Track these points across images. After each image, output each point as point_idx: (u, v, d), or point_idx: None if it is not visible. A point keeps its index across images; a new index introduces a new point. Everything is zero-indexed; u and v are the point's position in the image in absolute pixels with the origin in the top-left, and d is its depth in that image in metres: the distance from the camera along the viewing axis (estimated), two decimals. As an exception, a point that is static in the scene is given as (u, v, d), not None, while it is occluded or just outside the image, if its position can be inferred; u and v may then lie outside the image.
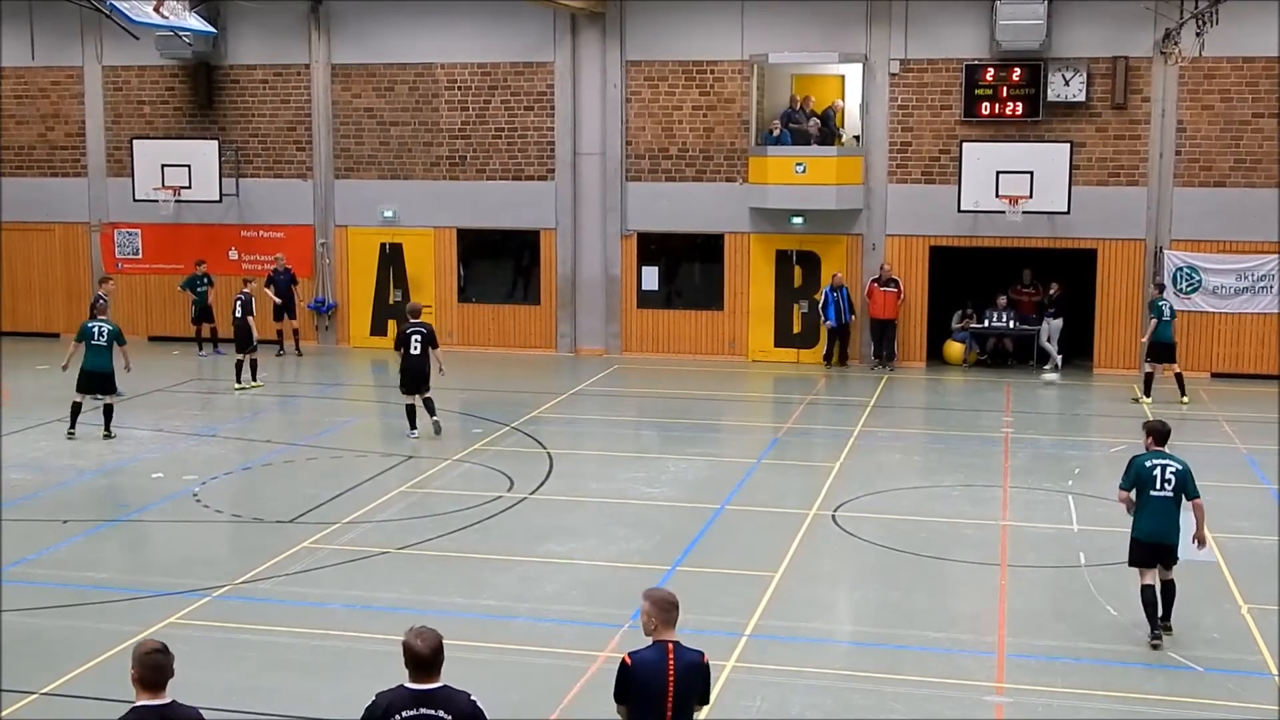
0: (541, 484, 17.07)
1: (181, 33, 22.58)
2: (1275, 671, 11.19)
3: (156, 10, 18.64)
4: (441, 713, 6.56)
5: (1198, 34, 21.58)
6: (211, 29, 22.96)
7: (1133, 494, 11.98)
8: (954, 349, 26.15)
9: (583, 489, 17.01)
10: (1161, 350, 22.28)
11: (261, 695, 10.60)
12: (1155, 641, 11.61)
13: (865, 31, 25.53)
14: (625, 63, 26.58)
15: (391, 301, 27.80)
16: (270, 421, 21.05)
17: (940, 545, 14.64)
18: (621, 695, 7.40)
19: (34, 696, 10.43)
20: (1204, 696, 10.71)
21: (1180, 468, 11.92)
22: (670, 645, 7.38)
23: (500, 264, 28.08)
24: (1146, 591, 11.79)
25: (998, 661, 11.50)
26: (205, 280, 26.92)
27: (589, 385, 23.81)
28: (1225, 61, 24.20)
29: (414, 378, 19.22)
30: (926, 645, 11.79)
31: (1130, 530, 12.01)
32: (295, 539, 14.51)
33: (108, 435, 19.03)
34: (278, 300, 27.00)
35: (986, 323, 26.17)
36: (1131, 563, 12.01)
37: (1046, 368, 25.59)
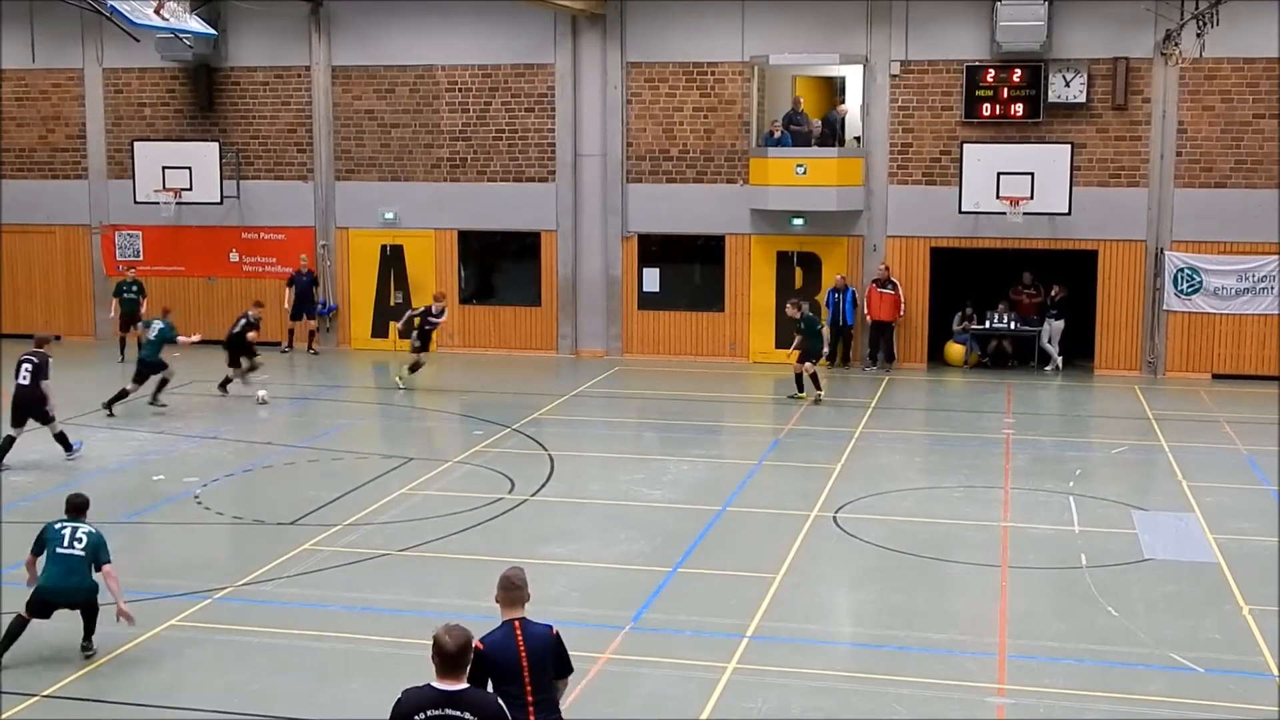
0: (543, 486, 17.07)
1: (182, 35, 22.56)
2: (1276, 672, 11.17)
3: (157, 12, 18.61)
4: (468, 715, 6.57)
5: (1198, 35, 21.58)
6: (212, 31, 22.91)
7: None
8: (955, 350, 26.15)
9: (584, 491, 17.01)
10: None
11: (263, 697, 10.59)
12: None
13: (866, 33, 25.53)
14: (626, 64, 26.59)
15: (393, 303, 27.80)
16: (271, 424, 21.05)
17: (941, 547, 14.63)
18: (478, 679, 7.38)
19: (35, 699, 10.43)
20: (1205, 697, 10.69)
21: None
22: (517, 623, 7.59)
23: (501, 266, 28.07)
24: None
25: (999, 663, 11.48)
26: (135, 287, 26.27)
27: (590, 387, 23.81)
28: (1226, 62, 24.20)
29: (18, 409, 17.69)
30: (928, 646, 11.78)
31: None
32: (296, 541, 14.51)
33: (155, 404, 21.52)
34: (287, 306, 27.24)
35: (987, 324, 26.17)
36: None
37: (1047, 369, 25.59)
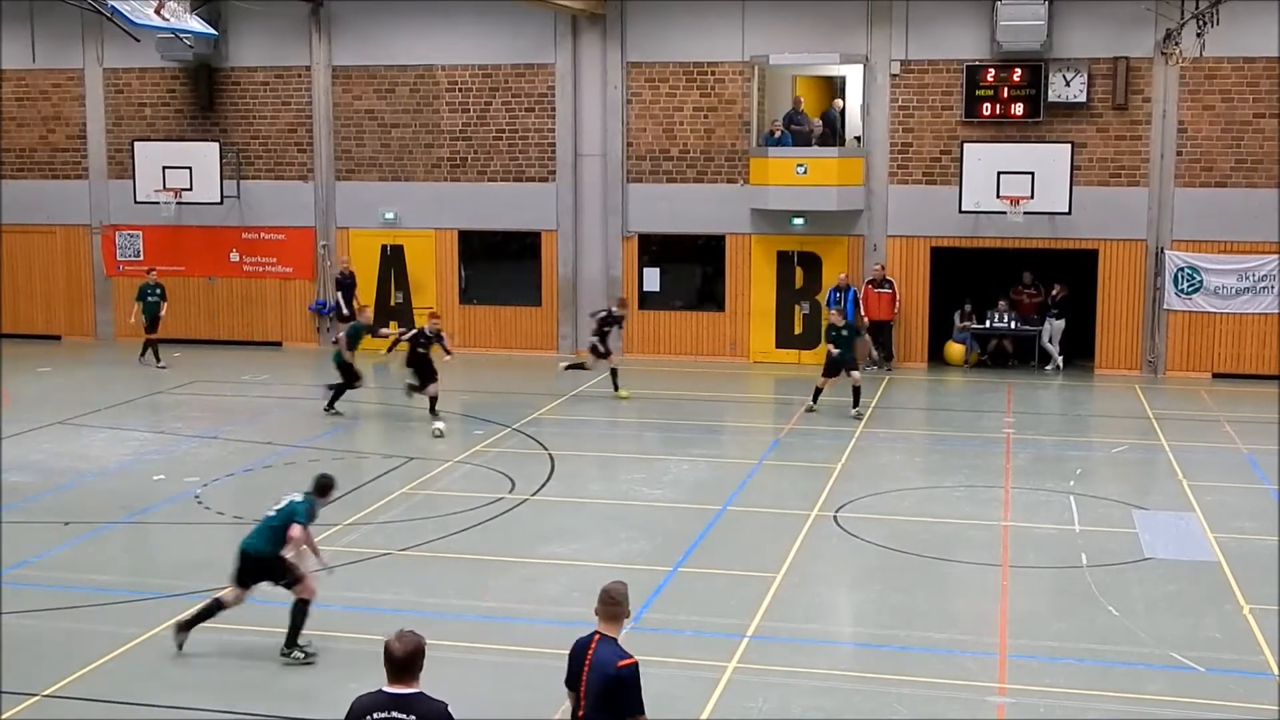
0: (543, 485, 17.07)
1: (182, 35, 22.53)
2: (1277, 672, 11.17)
3: (157, 12, 18.61)
4: (413, 718, 6.59)
5: (1198, 34, 21.58)
6: (212, 31, 22.92)
7: None
8: (955, 350, 26.15)
9: (584, 490, 17.01)
10: None
11: (263, 696, 10.59)
12: None
13: (866, 32, 25.53)
14: (626, 64, 26.59)
15: (393, 303, 27.79)
16: (271, 423, 21.04)
17: (942, 546, 14.63)
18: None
19: (35, 698, 10.43)
20: (1206, 697, 10.69)
21: None
22: (597, 636, 7.58)
23: (502, 265, 28.08)
24: None
25: (1000, 662, 11.48)
26: (158, 290, 26.09)
27: (590, 387, 23.80)
28: (1226, 62, 24.20)
29: None
30: (928, 646, 11.78)
31: None
32: (296, 541, 14.49)
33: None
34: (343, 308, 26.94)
35: (987, 324, 26.17)
36: None
37: (1048, 368, 25.59)
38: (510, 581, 13.41)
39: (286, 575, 11.42)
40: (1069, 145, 24.38)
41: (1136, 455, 19.18)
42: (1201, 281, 24.70)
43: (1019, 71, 24.85)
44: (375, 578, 13.46)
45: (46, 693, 10.54)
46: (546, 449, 19.06)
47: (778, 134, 25.64)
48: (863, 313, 25.54)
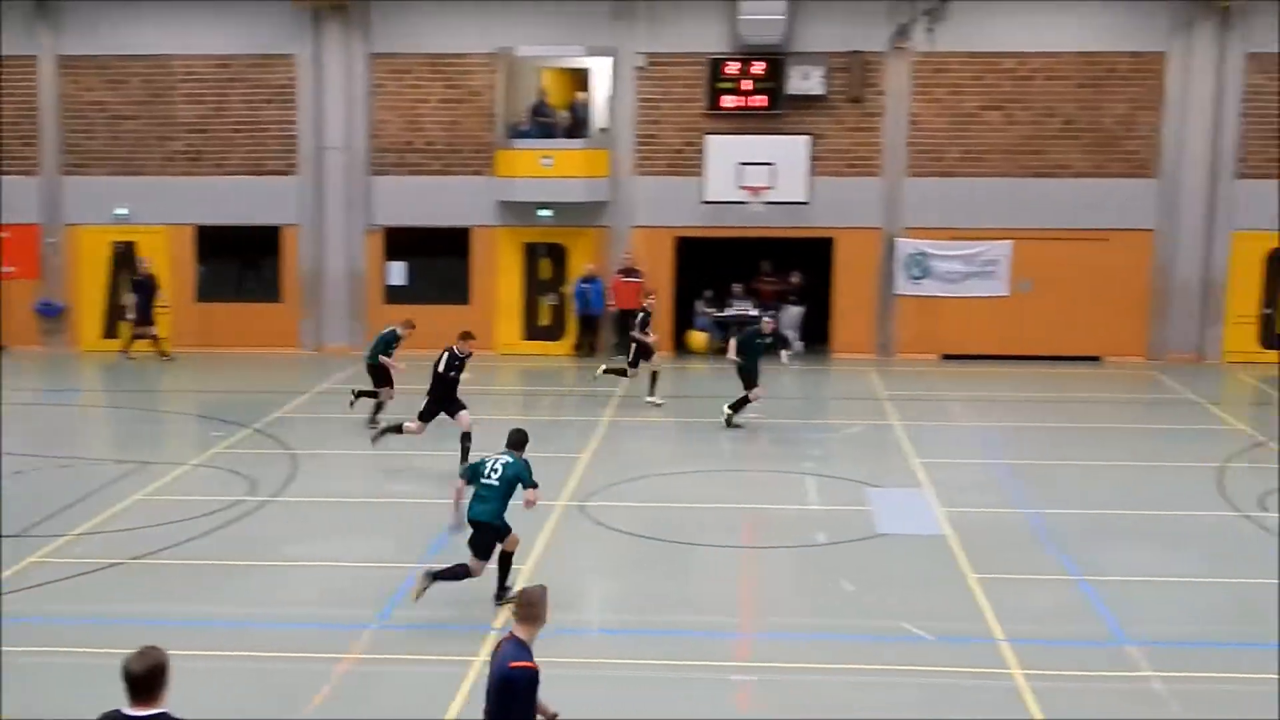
0: (286, 486, 16.69)
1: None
2: (1000, 636, 11.73)
3: None
4: None
5: (929, 30, 22.52)
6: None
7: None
8: (698, 338, 26.62)
9: (329, 489, 16.71)
10: None
11: (-17, 718, 10.07)
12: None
13: (611, 25, 25.72)
14: (369, 56, 26.17)
15: (123, 303, 26.58)
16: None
17: (688, 530, 14.88)
18: None
19: None
20: (935, 664, 11.17)
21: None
22: (505, 639, 7.73)
23: (241, 262, 27.28)
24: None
25: (743, 641, 11.77)
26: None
27: (335, 384, 23.37)
28: (954, 56, 25.28)
29: None
30: (675, 629, 11.98)
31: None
32: (20, 554, 13.78)
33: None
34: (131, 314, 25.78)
35: (729, 311, 26.70)
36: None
37: (786, 354, 26.15)
38: (251, 585, 13.08)
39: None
40: (808, 137, 25.12)
41: (870, 435, 19.87)
42: (930, 267, 25.76)
43: (760, 65, 25.42)
44: (108, 588, 12.93)
45: None
46: (289, 448, 18.63)
47: (524, 126, 25.64)
48: (611, 302, 25.78)
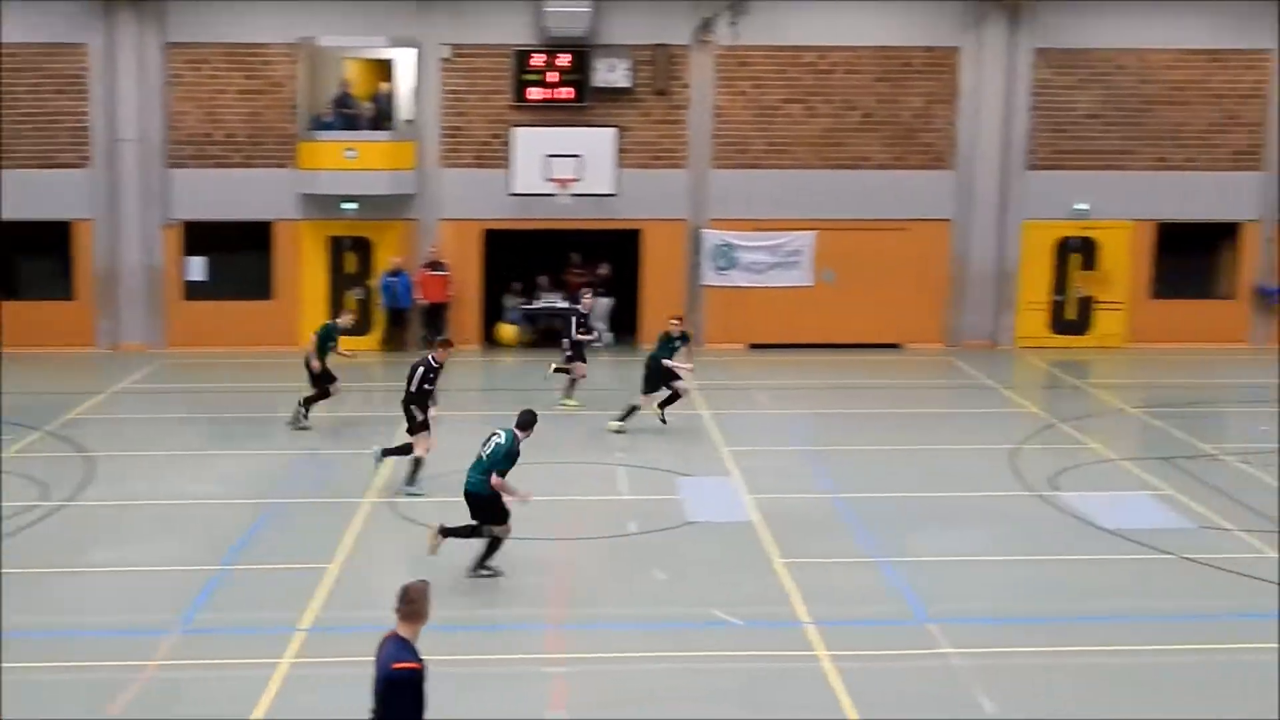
0: (81, 490, 16.10)
1: None
2: (805, 619, 11.98)
3: None
4: None
5: (732, 24, 22.84)
6: None
7: None
8: (507, 331, 26.51)
9: (127, 492, 16.18)
10: None
11: None
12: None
13: (415, 16, 25.41)
14: (165, 45, 25.35)
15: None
16: None
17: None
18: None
19: None
20: (745, 649, 11.36)
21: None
22: (388, 637, 7.65)
23: (29, 257, 26.15)
24: None
25: (557, 633, 11.78)
26: None
27: (132, 383, 22.62)
28: (757, 50, 25.65)
29: None
30: (483, 624, 11.93)
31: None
32: None
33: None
34: None
35: (537, 304, 26.64)
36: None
37: (596, 345, 26.16)
38: (46, 595, 12.58)
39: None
40: (614, 129, 25.22)
41: (680, 424, 20.02)
42: (735, 258, 26.13)
43: (566, 57, 25.41)
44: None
45: None
46: (84, 451, 17.96)
47: (327, 118, 25.18)
48: (418, 295, 25.51)
